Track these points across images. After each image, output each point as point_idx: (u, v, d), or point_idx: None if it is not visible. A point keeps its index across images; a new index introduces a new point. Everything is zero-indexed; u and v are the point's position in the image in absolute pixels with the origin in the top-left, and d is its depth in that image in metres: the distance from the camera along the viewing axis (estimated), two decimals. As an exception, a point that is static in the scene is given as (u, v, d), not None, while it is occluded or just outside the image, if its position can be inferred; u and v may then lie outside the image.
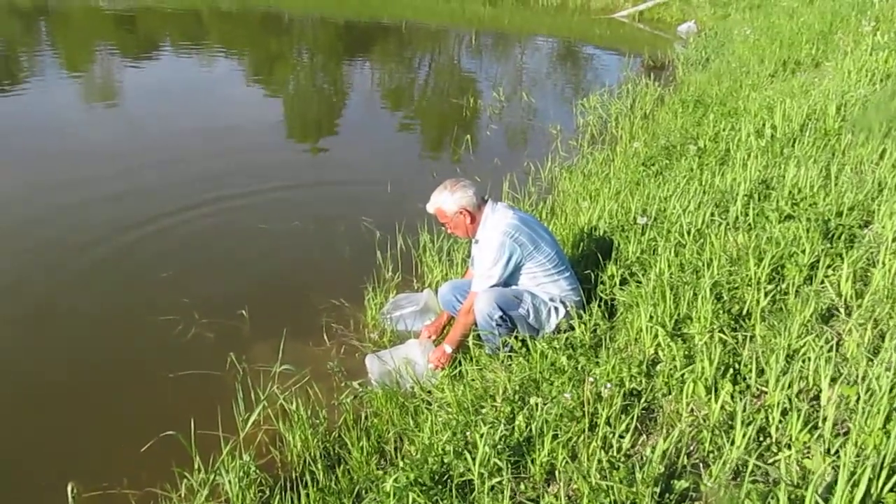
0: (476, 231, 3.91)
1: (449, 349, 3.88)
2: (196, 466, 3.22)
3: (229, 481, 3.14)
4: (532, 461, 2.77)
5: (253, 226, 6.09)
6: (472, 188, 3.85)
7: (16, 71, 12.59)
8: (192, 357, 4.25)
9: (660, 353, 3.22)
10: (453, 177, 3.99)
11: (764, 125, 6.03)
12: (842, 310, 3.17)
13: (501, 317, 3.71)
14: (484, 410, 3.21)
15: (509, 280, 3.84)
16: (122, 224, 6.10)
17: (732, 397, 2.74)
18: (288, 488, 3.17)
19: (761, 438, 2.53)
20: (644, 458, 2.56)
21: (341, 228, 5.99)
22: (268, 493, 3.23)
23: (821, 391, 2.62)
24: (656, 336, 3.28)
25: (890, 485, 2.04)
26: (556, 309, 3.84)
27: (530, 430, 2.91)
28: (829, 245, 3.58)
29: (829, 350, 2.78)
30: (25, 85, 11.39)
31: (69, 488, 3.14)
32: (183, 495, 3.20)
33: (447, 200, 3.84)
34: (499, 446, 2.79)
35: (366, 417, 3.74)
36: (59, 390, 4.13)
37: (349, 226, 5.92)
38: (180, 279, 5.21)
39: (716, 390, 2.78)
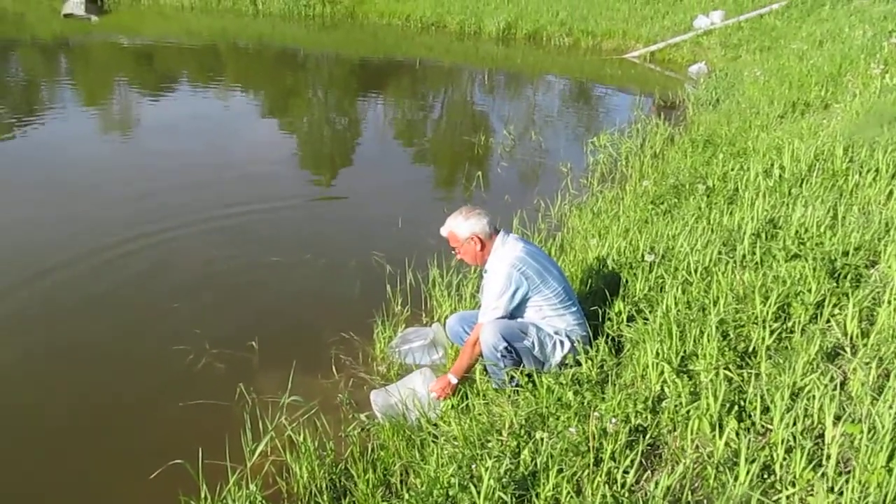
0: (485, 260, 3.96)
1: (454, 380, 3.91)
2: (203, 496, 3.25)
3: (235, 511, 3.17)
4: (537, 495, 2.78)
5: (265, 258, 6.15)
6: (487, 217, 3.92)
7: (36, 103, 12.81)
8: (201, 387, 4.30)
9: (665, 389, 3.23)
10: (463, 206, 4.06)
11: (772, 165, 6.08)
12: (847, 349, 3.18)
13: (507, 348, 3.74)
14: (490, 444, 3.23)
15: (515, 312, 3.88)
16: (135, 255, 6.19)
17: (737, 434, 2.75)
18: (294, 519, 3.19)
19: (765, 475, 2.54)
20: (648, 494, 2.57)
21: (352, 262, 6.05)
22: (274, 524, 3.24)
23: (825, 429, 2.63)
24: (662, 373, 3.30)
25: (892, 522, 2.05)
26: (562, 342, 3.86)
27: (535, 464, 2.92)
28: (835, 284, 3.60)
29: (834, 388, 2.79)
30: (45, 116, 11.58)
31: (77, 516, 3.17)
32: (189, 525, 3.22)
33: (461, 225, 3.92)
34: (504, 480, 2.80)
35: (372, 450, 3.76)
36: (68, 419, 4.18)
37: (360, 260, 5.98)
38: (192, 310, 5.28)
39: (720, 427, 2.79)
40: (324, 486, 3.46)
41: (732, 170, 6.40)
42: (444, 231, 4.01)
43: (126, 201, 7.47)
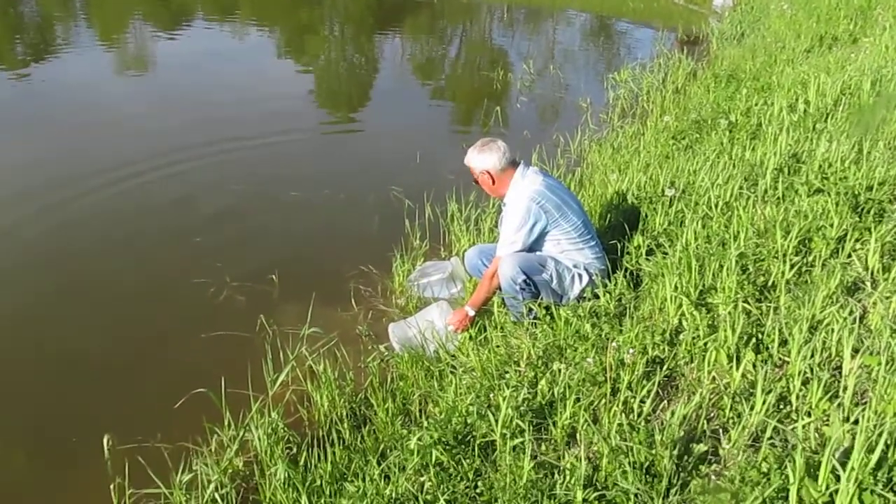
0: (501, 193, 3.96)
1: (471, 311, 3.93)
2: (226, 423, 3.32)
3: (258, 437, 3.23)
4: (554, 423, 2.82)
5: (284, 193, 6.18)
6: (501, 151, 3.88)
7: (50, 41, 12.74)
8: (223, 319, 4.36)
9: (683, 322, 3.24)
10: (484, 137, 4.04)
11: (797, 100, 5.97)
12: (868, 283, 3.17)
13: (525, 280, 3.75)
14: (508, 375, 3.26)
15: (534, 246, 3.88)
16: (153, 190, 6.25)
17: (754, 366, 2.76)
18: (315, 445, 3.26)
19: (781, 406, 2.55)
20: (664, 423, 2.60)
21: (371, 197, 6.06)
22: (295, 449, 3.31)
23: (842, 361, 2.64)
24: (680, 306, 3.30)
25: (907, 450, 2.07)
26: (580, 276, 3.87)
27: (553, 394, 2.96)
28: (857, 219, 3.56)
29: (853, 322, 2.78)
30: (59, 54, 11.54)
31: (105, 440, 3.25)
32: (213, 450, 3.30)
33: (475, 159, 3.92)
34: (521, 409, 2.84)
35: (391, 380, 3.82)
36: (95, 350, 4.26)
37: (378, 195, 5.99)
38: (213, 244, 5.32)
39: (738, 359, 2.80)
40: (344, 414, 3.53)
41: (756, 105, 6.29)
42: (466, 160, 4.01)
43: (143, 136, 7.50)
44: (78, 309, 4.66)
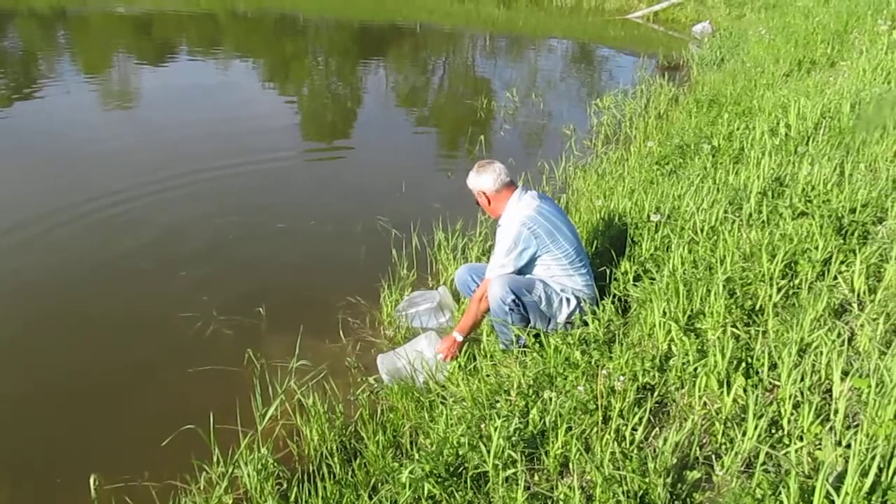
0: (497, 213, 4.00)
1: (459, 337, 3.92)
2: (215, 459, 3.28)
3: (248, 474, 3.19)
4: (546, 453, 2.80)
5: (271, 225, 6.16)
6: (497, 172, 3.91)
7: (35, 74, 12.74)
8: (210, 353, 4.32)
9: (673, 347, 3.24)
10: (483, 159, 4.08)
11: (778, 124, 6.04)
12: (854, 305, 3.19)
13: (514, 301, 3.75)
14: (498, 404, 3.24)
15: (524, 269, 3.89)
16: (141, 224, 6.21)
17: (745, 391, 2.76)
18: (305, 481, 3.22)
19: (773, 430, 2.55)
20: (657, 450, 2.59)
21: (357, 227, 6.05)
22: (285, 485, 3.27)
23: (832, 384, 2.64)
24: (669, 331, 3.30)
25: (900, 474, 2.06)
26: (568, 300, 3.87)
27: (544, 422, 2.94)
28: (842, 241, 3.59)
29: (842, 344, 2.80)
30: (44, 88, 11.52)
31: (91, 480, 3.20)
32: (202, 487, 3.25)
33: (473, 180, 3.99)
34: (513, 439, 2.82)
35: (381, 412, 3.79)
36: (81, 387, 4.21)
37: (365, 225, 5.98)
38: (199, 277, 5.29)
39: (728, 384, 2.80)
40: (334, 447, 3.49)
41: (738, 129, 6.35)
42: (467, 182, 4.06)
43: (127, 169, 7.46)
44: (62, 344, 4.60)
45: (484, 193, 3.94)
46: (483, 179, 3.92)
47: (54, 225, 6.08)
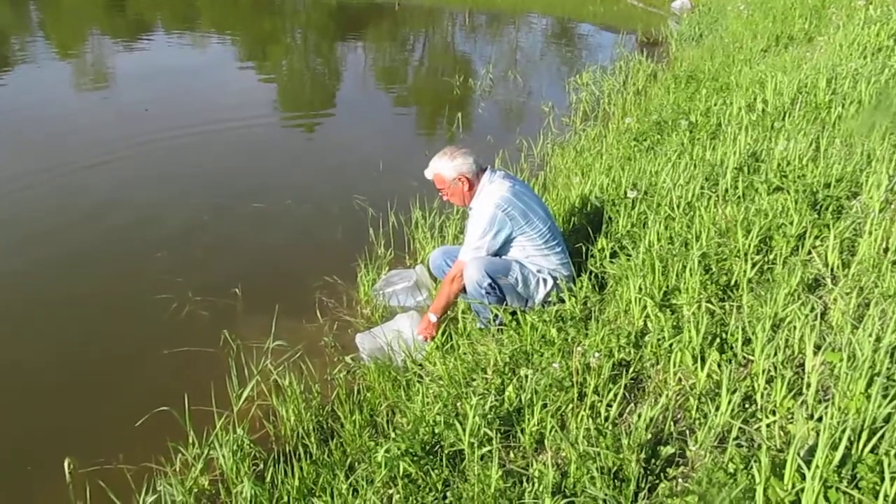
0: (469, 200, 3.94)
1: (433, 318, 3.91)
2: (190, 441, 3.26)
3: (223, 455, 3.18)
4: (522, 430, 2.80)
5: (246, 205, 6.10)
6: (472, 156, 3.86)
7: (6, 55, 12.51)
8: (186, 334, 4.29)
9: (648, 324, 3.25)
10: (448, 146, 4.01)
11: (755, 99, 6.04)
12: (828, 279, 3.20)
13: (490, 284, 3.73)
14: (475, 382, 3.24)
15: (499, 251, 3.87)
16: (117, 205, 6.14)
17: (719, 366, 2.77)
18: (282, 461, 3.22)
19: (746, 405, 2.56)
20: (631, 426, 2.59)
21: (334, 207, 6.01)
22: (262, 466, 3.26)
23: (805, 359, 2.65)
24: (645, 307, 3.30)
25: (870, 445, 2.08)
26: (545, 280, 3.86)
27: (520, 400, 2.94)
28: (816, 216, 3.60)
29: (815, 318, 2.81)
30: (15, 67, 11.34)
31: (66, 464, 3.19)
32: (178, 469, 3.24)
33: (447, 167, 3.86)
34: (489, 416, 2.82)
35: (358, 391, 3.77)
36: (54, 369, 4.16)
37: (342, 204, 5.95)
38: (174, 259, 5.25)
39: (703, 359, 2.81)
40: (311, 428, 3.48)
41: (715, 105, 6.36)
42: (428, 173, 3.94)
43: (100, 150, 7.35)
44: (34, 326, 4.54)
45: (465, 177, 3.84)
46: (461, 163, 3.83)
47: (21, 203, 6.01)
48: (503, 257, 3.90)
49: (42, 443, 3.58)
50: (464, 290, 3.86)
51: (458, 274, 3.82)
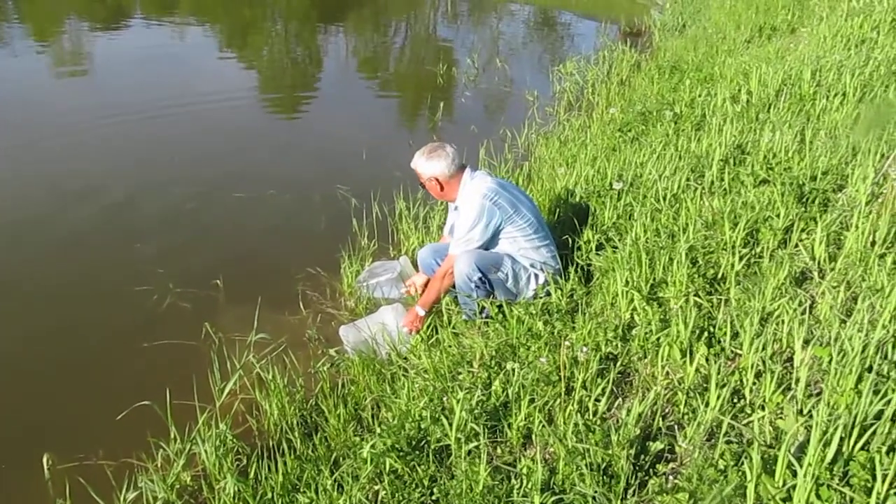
0: (450, 197, 3.92)
1: (421, 312, 3.88)
2: (172, 436, 3.20)
3: (206, 450, 3.12)
4: (509, 426, 2.78)
5: (228, 195, 6.01)
6: (450, 157, 3.82)
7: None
8: (167, 327, 4.20)
9: (635, 317, 3.23)
10: (432, 142, 3.96)
11: (739, 91, 6.04)
12: (815, 273, 3.19)
13: (480, 278, 3.71)
14: (461, 376, 3.21)
15: (489, 245, 3.83)
16: (95, 195, 6.02)
17: (707, 360, 2.76)
18: (265, 456, 3.16)
19: (735, 400, 2.55)
20: (620, 421, 2.57)
21: (317, 197, 5.95)
22: (245, 461, 3.21)
23: (794, 353, 2.64)
24: (632, 300, 3.29)
25: (861, 443, 2.06)
26: (536, 276, 3.84)
27: (507, 394, 2.92)
28: (803, 209, 3.60)
29: (803, 313, 2.80)
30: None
31: (45, 460, 3.13)
32: (159, 465, 3.18)
33: (422, 165, 3.86)
34: (475, 411, 2.80)
35: (343, 385, 3.73)
36: (31, 363, 4.08)
37: (324, 194, 5.87)
38: (155, 249, 5.15)
39: (691, 353, 2.79)
40: (294, 422, 3.43)
41: (699, 96, 6.35)
42: (412, 164, 3.93)
43: (78, 137, 7.24)
44: (9, 320, 4.43)
45: (436, 179, 3.83)
46: (436, 165, 3.81)
47: None
48: (494, 251, 3.86)
49: (20, 438, 3.51)
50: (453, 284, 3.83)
51: (449, 270, 3.79)
